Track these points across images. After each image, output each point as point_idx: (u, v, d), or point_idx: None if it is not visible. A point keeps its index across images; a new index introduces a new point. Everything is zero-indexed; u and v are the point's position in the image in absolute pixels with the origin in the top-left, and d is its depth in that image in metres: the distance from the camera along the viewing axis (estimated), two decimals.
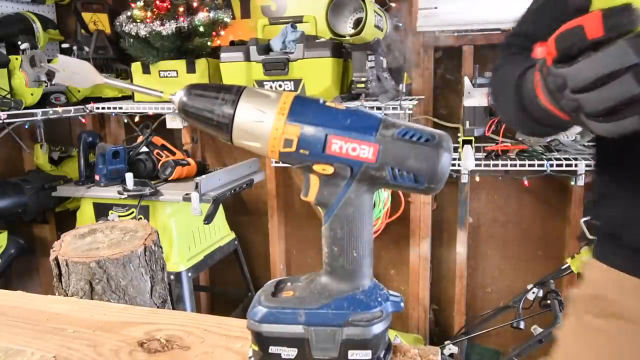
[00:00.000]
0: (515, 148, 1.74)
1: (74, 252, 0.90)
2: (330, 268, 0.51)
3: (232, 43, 1.99)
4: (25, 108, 1.96)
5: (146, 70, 2.05)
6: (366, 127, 0.47)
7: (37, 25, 2.19)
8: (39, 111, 1.98)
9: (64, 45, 2.28)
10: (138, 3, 1.96)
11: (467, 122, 1.69)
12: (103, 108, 2.15)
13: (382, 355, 0.51)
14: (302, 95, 0.49)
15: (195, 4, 1.96)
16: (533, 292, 1.72)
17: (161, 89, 0.54)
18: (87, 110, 2.14)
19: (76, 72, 0.58)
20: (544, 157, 1.70)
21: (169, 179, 1.94)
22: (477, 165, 1.69)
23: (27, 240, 2.27)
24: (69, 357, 0.60)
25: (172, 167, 1.93)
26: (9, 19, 2.14)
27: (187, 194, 1.77)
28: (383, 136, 0.47)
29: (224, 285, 2.58)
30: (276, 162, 1.97)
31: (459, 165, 1.75)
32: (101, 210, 1.97)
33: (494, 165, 1.71)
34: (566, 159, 1.67)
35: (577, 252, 1.64)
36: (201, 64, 1.99)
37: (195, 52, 2.01)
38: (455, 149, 1.74)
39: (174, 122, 2.12)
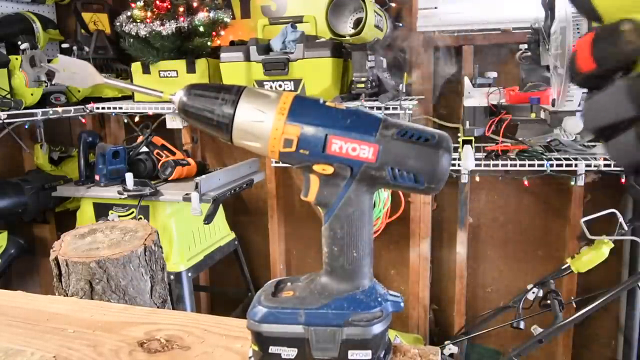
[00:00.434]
0: (515, 148, 1.74)
1: (74, 252, 0.90)
2: (330, 268, 0.51)
3: (232, 43, 1.99)
4: (25, 108, 1.96)
5: (146, 70, 2.05)
6: (366, 127, 0.47)
7: (37, 25, 2.19)
8: (39, 111, 1.98)
9: (64, 45, 2.28)
10: (138, 3, 1.96)
11: (467, 122, 1.69)
12: (103, 108, 2.15)
13: (382, 355, 0.51)
14: (302, 95, 0.49)
15: (195, 4, 1.96)
16: (533, 292, 1.72)
17: (161, 89, 0.54)
18: (87, 110, 2.14)
19: (76, 72, 0.58)
20: (544, 157, 1.70)
21: (169, 179, 1.94)
22: (477, 165, 1.69)
23: (27, 240, 2.27)
24: (69, 357, 0.60)
25: (172, 167, 1.93)
26: (9, 19, 2.14)
27: (187, 194, 1.77)
28: (383, 136, 0.47)
29: (224, 285, 2.58)
30: (276, 162, 1.97)
31: (459, 165, 1.75)
32: (101, 210, 1.97)
33: (494, 165, 1.71)
34: (566, 159, 1.67)
35: (577, 252, 1.63)
36: (201, 64, 1.99)
37: (195, 52, 2.01)
38: (455, 149, 1.74)
39: (174, 122, 2.11)
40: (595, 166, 1.65)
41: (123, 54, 2.17)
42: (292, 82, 1.82)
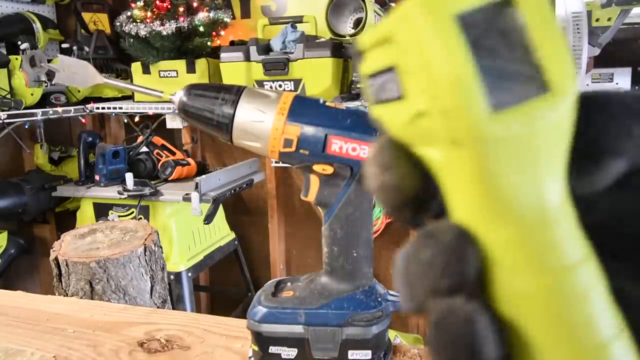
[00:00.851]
0: None
1: (74, 252, 0.90)
2: (330, 268, 0.51)
3: (232, 43, 1.99)
4: (25, 108, 1.95)
5: (146, 70, 2.05)
6: (366, 127, 0.47)
7: (37, 25, 2.19)
8: (39, 111, 1.98)
9: (64, 45, 2.28)
10: (138, 3, 1.96)
11: None
12: (103, 108, 2.15)
13: (382, 355, 0.51)
14: (302, 95, 0.49)
15: (195, 4, 1.96)
16: None
17: (161, 89, 0.54)
18: (87, 110, 2.14)
19: (76, 72, 0.58)
20: None
21: (169, 179, 1.94)
22: None
23: (27, 240, 2.27)
24: (69, 357, 0.60)
25: (172, 167, 1.93)
26: (9, 19, 2.14)
27: (187, 194, 1.77)
28: None
29: (224, 285, 2.58)
30: (276, 162, 1.97)
31: None
32: (101, 210, 1.97)
33: None
34: None
35: None
36: (201, 64, 1.99)
37: (195, 52, 2.01)
38: None
39: (174, 122, 2.11)
40: None
41: (123, 54, 2.17)
42: (292, 82, 1.82)
